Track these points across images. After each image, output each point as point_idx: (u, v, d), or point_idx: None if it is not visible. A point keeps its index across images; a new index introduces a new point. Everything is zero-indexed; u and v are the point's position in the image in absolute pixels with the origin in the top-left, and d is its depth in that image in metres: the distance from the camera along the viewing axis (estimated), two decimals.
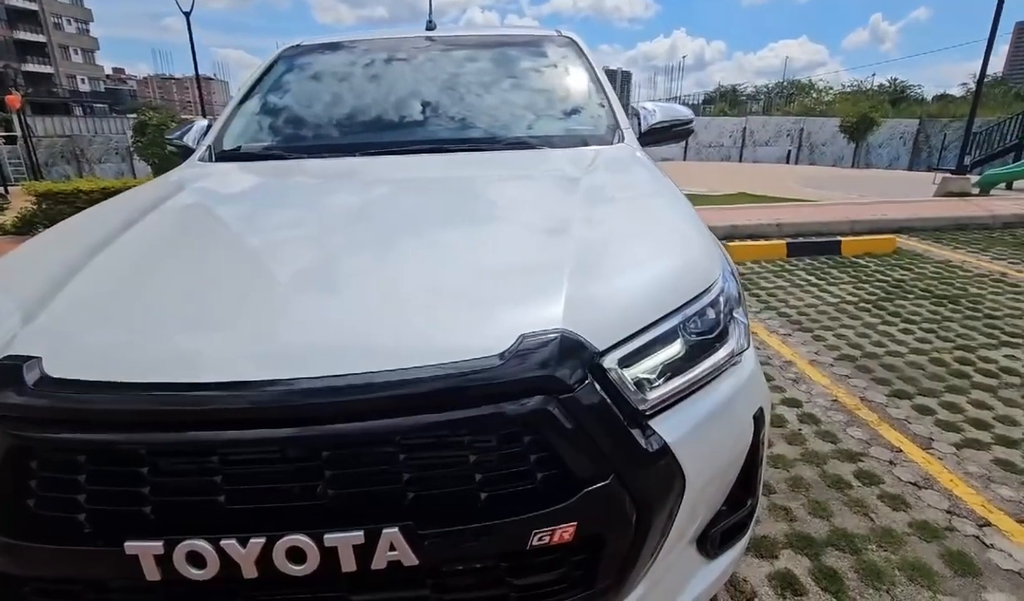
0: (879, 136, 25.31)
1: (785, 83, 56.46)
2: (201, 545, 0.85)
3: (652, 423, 1.00)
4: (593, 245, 1.23)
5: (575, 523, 0.91)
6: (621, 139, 2.17)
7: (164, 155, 15.68)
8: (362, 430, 0.87)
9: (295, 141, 2.23)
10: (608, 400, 0.96)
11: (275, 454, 0.87)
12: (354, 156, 2.02)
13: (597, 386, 0.96)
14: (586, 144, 2.12)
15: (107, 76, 76.94)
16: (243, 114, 2.34)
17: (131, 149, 19.99)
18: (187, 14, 15.86)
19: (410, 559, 0.87)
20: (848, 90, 42.62)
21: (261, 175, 1.98)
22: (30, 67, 55.76)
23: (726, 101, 53.88)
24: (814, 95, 44.36)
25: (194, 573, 0.86)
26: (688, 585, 1.17)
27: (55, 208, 7.23)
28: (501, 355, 0.91)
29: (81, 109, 53.69)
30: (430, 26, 2.88)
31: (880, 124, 24.45)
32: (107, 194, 7.30)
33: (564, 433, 0.91)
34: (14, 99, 17.82)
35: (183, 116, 21.47)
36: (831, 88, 45.32)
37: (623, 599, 1.03)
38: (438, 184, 1.79)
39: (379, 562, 0.87)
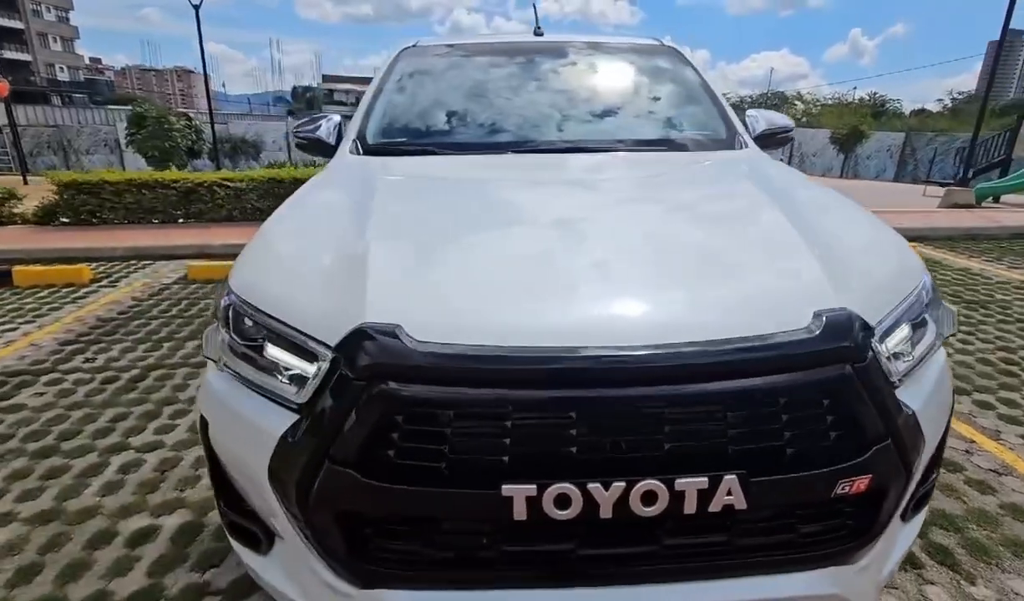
0: (867, 148, 26.09)
1: (769, 94, 57.53)
2: (570, 488, 0.95)
3: (898, 392, 1.14)
4: (819, 235, 1.35)
5: (870, 476, 1.05)
6: (745, 145, 2.30)
7: (165, 149, 15.46)
8: (697, 391, 1.00)
9: (442, 137, 2.28)
10: (881, 369, 1.10)
11: (625, 410, 0.98)
12: (507, 154, 2.10)
13: (876, 357, 1.10)
14: (720, 148, 2.26)
15: (84, 66, 75.47)
16: (379, 110, 2.39)
17: (122, 141, 19.70)
18: (196, 8, 15.76)
19: (741, 503, 0.99)
20: (830, 102, 43.67)
21: (437, 168, 2.01)
22: (7, 54, 54.27)
23: None
24: (800, 106, 45.28)
25: (558, 514, 0.97)
26: (897, 545, 1.32)
27: (78, 198, 7.14)
28: (808, 329, 1.05)
29: (60, 99, 52.43)
30: (538, 32, 2.98)
31: (869, 136, 25.23)
32: (133, 186, 7.25)
33: (858, 397, 1.04)
34: (3, 86, 17.36)
35: (181, 109, 21.28)
36: (818, 100, 46.36)
37: (870, 552, 1.16)
38: (630, 180, 1.91)
39: (716, 505, 0.99)
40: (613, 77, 2.63)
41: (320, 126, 2.38)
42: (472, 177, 1.93)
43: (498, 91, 2.48)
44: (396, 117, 2.40)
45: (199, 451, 2.50)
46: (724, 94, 2.67)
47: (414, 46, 2.73)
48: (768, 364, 1.01)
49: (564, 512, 0.97)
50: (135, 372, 3.34)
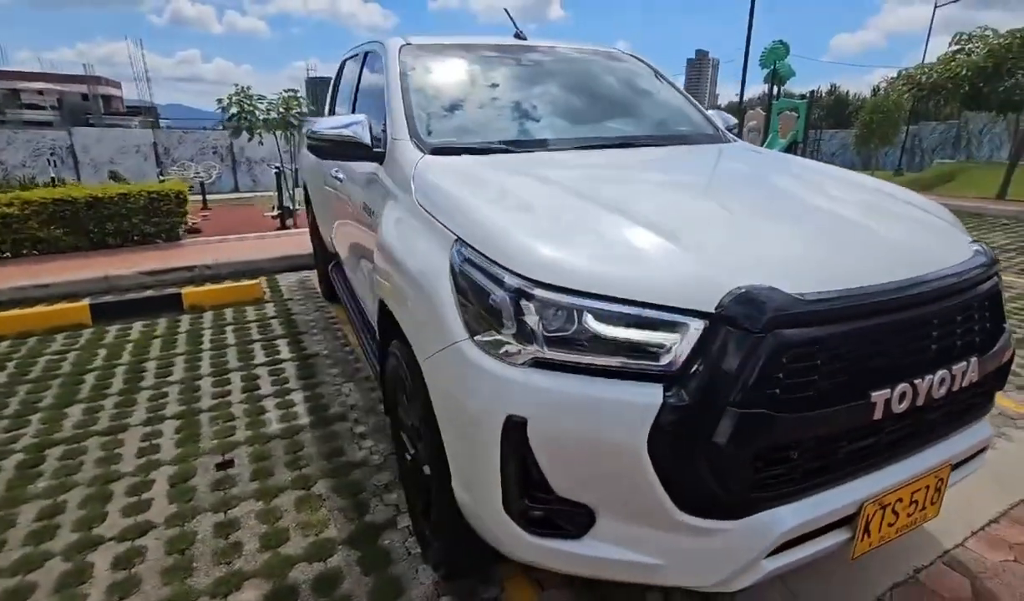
0: None
1: None
2: (906, 386, 1.27)
3: None
4: (914, 202, 1.88)
5: (1010, 350, 1.58)
6: (735, 138, 2.70)
7: None
8: (949, 305, 1.38)
9: (506, 137, 2.25)
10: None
11: (922, 321, 1.33)
12: (579, 150, 2.20)
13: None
14: (723, 141, 2.63)
15: None
16: (417, 111, 2.22)
17: None
18: None
19: (975, 377, 1.40)
20: None
21: (558, 163, 2.03)
22: None
23: None
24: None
25: (898, 407, 1.27)
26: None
27: None
28: (982, 256, 1.55)
29: None
30: (520, 37, 3.00)
31: None
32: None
33: (997, 304, 1.53)
34: None
35: None
36: None
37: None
38: (713, 165, 2.24)
39: (966, 381, 1.38)
40: (622, 80, 2.90)
41: (354, 125, 2.15)
42: (603, 168, 2.04)
43: (527, 91, 2.60)
44: (441, 118, 2.30)
45: None
46: None
47: (409, 44, 2.59)
48: (973, 281, 1.45)
49: (901, 405, 1.27)
50: None
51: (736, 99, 21.56)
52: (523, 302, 1.25)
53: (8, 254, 5.87)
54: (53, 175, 12.06)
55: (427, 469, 1.66)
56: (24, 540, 2.10)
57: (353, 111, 3.01)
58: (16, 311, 4.38)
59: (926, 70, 11.67)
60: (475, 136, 2.24)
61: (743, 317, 1.15)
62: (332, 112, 3.77)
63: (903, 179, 17.31)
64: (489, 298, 1.31)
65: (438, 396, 1.46)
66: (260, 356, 3.70)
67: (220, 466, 2.53)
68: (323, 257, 4.41)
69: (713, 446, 1.14)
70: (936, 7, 22.00)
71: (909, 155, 22.87)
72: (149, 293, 4.97)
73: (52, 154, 18.39)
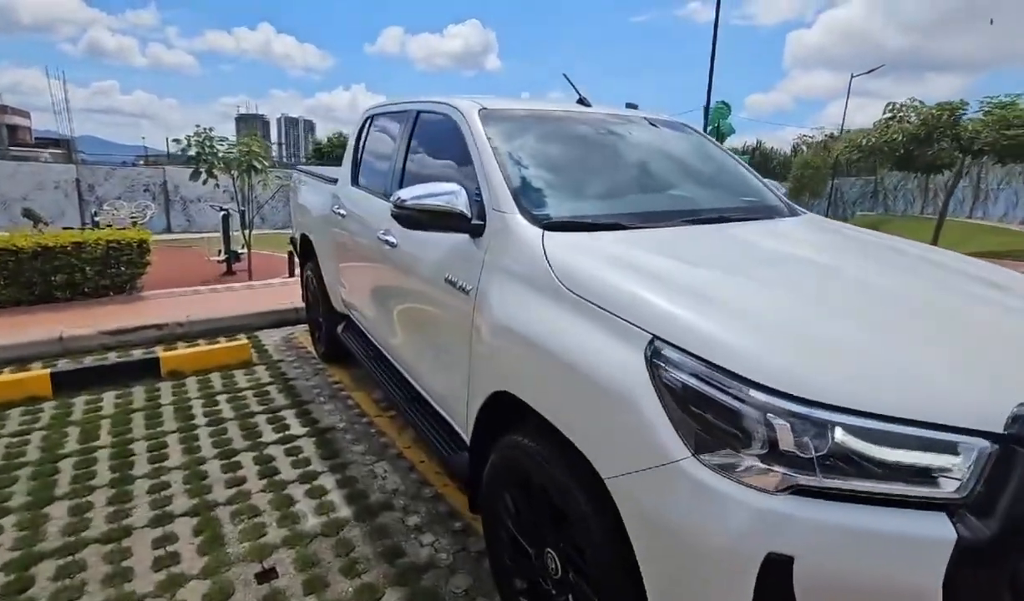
0: None
1: None
2: None
3: None
4: None
5: None
6: (803, 211, 2.70)
7: None
8: None
9: (608, 209, 2.21)
10: None
11: None
12: (688, 224, 2.13)
13: None
14: (797, 213, 2.61)
15: None
16: (513, 181, 2.07)
17: None
18: None
19: None
20: None
21: (662, 242, 1.93)
22: None
23: None
24: None
25: None
26: None
27: None
28: None
29: None
30: (584, 102, 2.94)
31: None
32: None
33: None
34: None
35: None
36: None
37: None
38: (823, 246, 2.22)
39: None
40: (693, 151, 2.89)
41: (448, 195, 1.98)
42: (743, 247, 2.00)
43: (615, 160, 2.56)
44: (542, 190, 2.16)
45: None
46: None
47: (485, 108, 2.42)
48: None
49: None
50: None
51: None
52: (777, 420, 1.10)
53: None
54: None
55: None
56: None
57: (402, 176, 2.80)
58: None
59: (866, 135, 12.93)
60: (581, 209, 2.14)
61: None
62: (356, 170, 3.52)
63: None
64: (725, 413, 1.14)
65: (642, 523, 1.25)
66: (268, 432, 3.30)
67: (262, 577, 2.16)
68: (328, 316, 4.07)
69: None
70: (852, 77, 24.76)
71: (834, 207, 24.95)
72: (115, 357, 4.41)
73: None
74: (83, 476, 2.81)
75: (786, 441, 1.09)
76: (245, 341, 4.68)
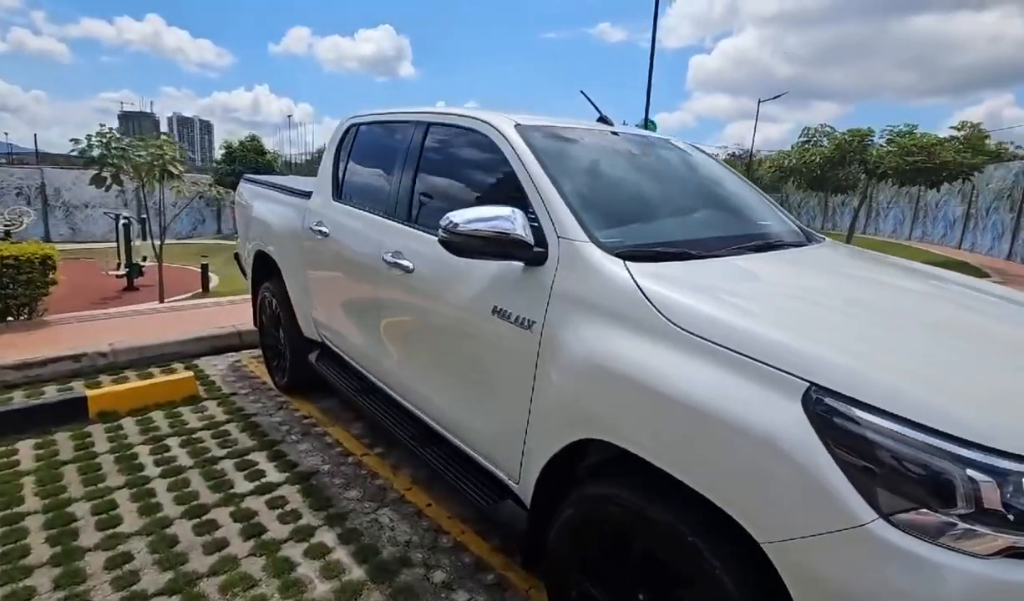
0: None
1: None
2: None
3: None
4: None
5: None
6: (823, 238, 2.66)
7: None
8: None
9: (665, 236, 2.07)
10: None
11: None
12: (748, 254, 2.04)
13: None
14: (820, 240, 2.57)
15: None
16: (576, 205, 1.91)
17: None
18: None
19: None
20: None
21: (743, 272, 1.89)
22: None
23: None
24: None
25: None
26: None
27: None
28: None
29: None
30: (605, 120, 2.88)
31: None
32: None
33: None
34: None
35: None
36: None
37: None
38: (865, 273, 2.20)
39: None
40: (724, 176, 2.84)
41: (503, 220, 1.78)
42: (827, 277, 2.01)
43: (665, 184, 2.53)
44: (604, 215, 2.02)
45: None
46: None
47: (520, 125, 2.23)
48: None
49: None
50: None
51: None
52: (983, 479, 1.02)
53: None
54: None
55: None
56: None
57: (412, 194, 2.54)
58: None
59: (787, 156, 14.19)
60: (645, 235, 2.04)
61: None
62: (339, 185, 3.19)
63: None
64: (918, 470, 1.05)
65: (815, 590, 1.13)
66: (240, 481, 2.88)
67: None
68: (295, 343, 3.67)
69: None
70: (760, 102, 27.05)
71: None
72: (23, 396, 3.71)
73: None
74: (16, 554, 2.27)
75: (991, 499, 1.02)
76: (187, 372, 4.12)
